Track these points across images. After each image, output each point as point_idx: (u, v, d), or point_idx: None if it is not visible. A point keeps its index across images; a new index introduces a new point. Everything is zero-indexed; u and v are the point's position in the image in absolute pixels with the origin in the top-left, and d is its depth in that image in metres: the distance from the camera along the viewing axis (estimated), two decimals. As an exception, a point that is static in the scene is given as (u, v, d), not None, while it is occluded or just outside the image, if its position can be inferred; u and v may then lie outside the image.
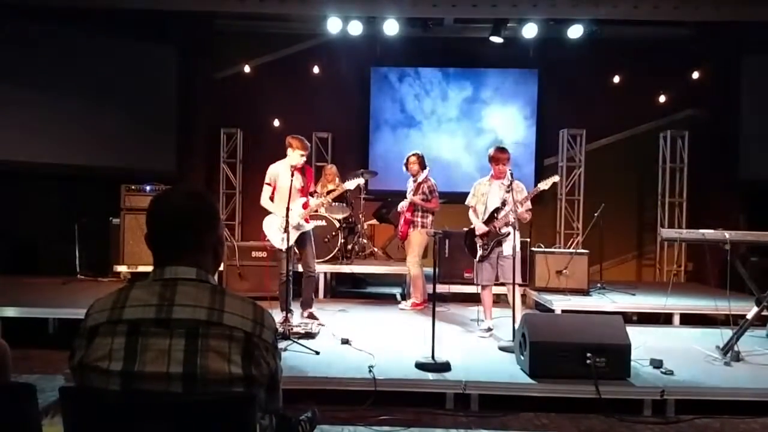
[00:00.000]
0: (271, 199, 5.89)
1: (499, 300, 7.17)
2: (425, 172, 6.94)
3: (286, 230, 5.47)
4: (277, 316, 5.58)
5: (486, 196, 5.80)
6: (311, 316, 6.15)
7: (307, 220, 6.02)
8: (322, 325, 5.90)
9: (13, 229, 8.12)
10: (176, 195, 1.69)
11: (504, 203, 5.63)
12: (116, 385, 1.47)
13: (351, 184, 6.25)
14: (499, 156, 5.71)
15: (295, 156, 5.75)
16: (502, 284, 5.78)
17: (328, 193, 7.39)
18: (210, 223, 1.69)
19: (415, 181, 7.01)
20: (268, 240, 5.99)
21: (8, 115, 7.94)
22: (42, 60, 8.14)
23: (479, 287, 5.91)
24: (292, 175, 5.63)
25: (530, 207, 5.76)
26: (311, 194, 6.19)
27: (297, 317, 6.04)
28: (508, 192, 5.51)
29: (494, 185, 5.77)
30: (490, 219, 5.72)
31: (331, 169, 8.47)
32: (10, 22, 7.81)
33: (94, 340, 1.52)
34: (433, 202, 6.90)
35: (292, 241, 5.67)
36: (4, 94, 7.92)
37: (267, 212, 5.96)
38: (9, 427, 1.68)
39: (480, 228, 5.74)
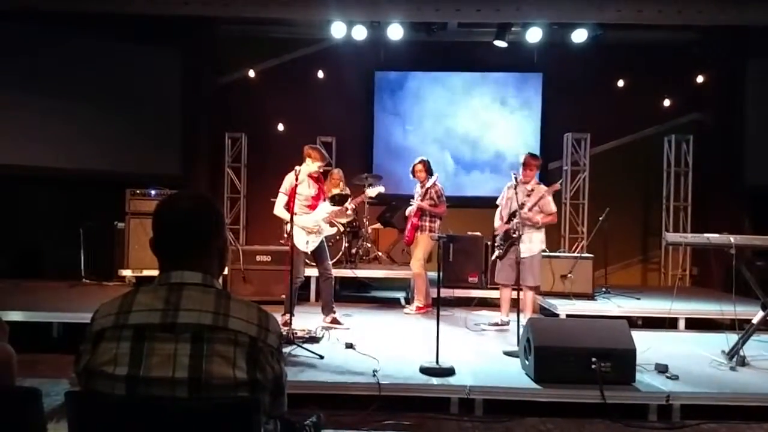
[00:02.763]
0: (288, 208, 5.87)
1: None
2: (433, 177, 6.98)
3: (290, 233, 5.55)
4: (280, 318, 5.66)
5: (511, 199, 6.02)
6: (335, 321, 6.14)
7: (331, 224, 6.23)
8: (347, 329, 6.01)
9: (18, 234, 8.15)
10: (181, 200, 1.70)
11: (522, 207, 5.87)
12: (122, 389, 1.47)
13: (373, 192, 6.43)
14: (527, 161, 6.07)
15: (314, 166, 5.95)
16: (519, 289, 5.84)
17: (335, 197, 7.43)
18: (215, 227, 1.69)
19: (422, 187, 7.04)
20: (287, 240, 6.15)
21: (14, 120, 7.99)
22: (46, 64, 8.18)
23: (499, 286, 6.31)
24: (316, 180, 5.97)
25: (552, 211, 6.02)
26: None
27: (318, 322, 6.09)
28: (528, 196, 5.85)
29: (520, 189, 5.93)
30: (509, 221, 6.03)
31: (338, 173, 8.50)
32: (14, 27, 7.86)
33: (100, 345, 1.52)
34: (440, 207, 6.94)
35: (316, 245, 5.99)
36: (9, 98, 7.96)
37: (274, 218, 6.18)
38: (15, 432, 1.69)
39: (498, 228, 6.13)
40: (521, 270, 5.81)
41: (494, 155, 10.14)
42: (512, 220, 5.91)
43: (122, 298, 1.59)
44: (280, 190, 6.00)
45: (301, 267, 6.06)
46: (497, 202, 6.33)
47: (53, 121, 8.27)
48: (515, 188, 5.76)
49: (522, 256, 5.79)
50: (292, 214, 5.63)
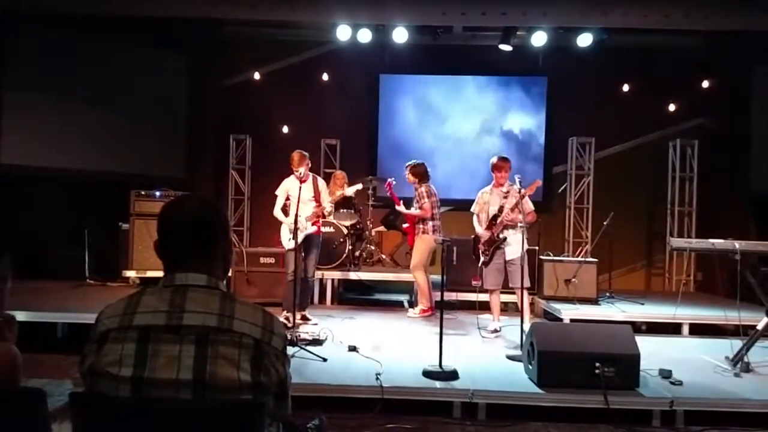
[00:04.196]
0: (285, 209, 6.28)
1: (507, 308, 7.17)
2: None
3: (295, 236, 5.61)
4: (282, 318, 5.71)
5: (488, 204, 6.12)
6: (304, 318, 6.39)
7: (316, 224, 6.30)
8: (315, 324, 6.18)
9: (23, 234, 8.15)
10: (187, 202, 1.71)
11: (501, 209, 5.93)
12: (126, 391, 1.48)
13: (350, 190, 6.67)
14: (500, 164, 6.11)
15: (296, 172, 6.06)
16: (511, 291, 5.85)
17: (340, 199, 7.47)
18: (220, 230, 1.70)
19: (415, 190, 7.08)
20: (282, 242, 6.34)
21: (19, 121, 8.01)
22: (52, 66, 8.20)
23: (488, 291, 6.24)
24: (302, 182, 5.96)
25: (531, 209, 6.01)
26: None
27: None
28: (505, 198, 5.89)
29: (495, 193, 6.10)
30: (490, 226, 6.04)
31: (341, 175, 8.51)
32: (17, 29, 7.89)
33: (105, 346, 1.53)
34: (424, 209, 6.91)
35: (298, 241, 6.00)
36: (15, 99, 7.98)
37: (278, 220, 6.35)
38: (19, 432, 1.69)
39: (481, 234, 6.09)
40: (512, 272, 5.88)
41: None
42: (493, 224, 5.98)
43: (127, 300, 1.60)
44: (276, 191, 6.36)
45: (290, 264, 6.17)
46: (472, 210, 6.29)
47: (58, 122, 8.28)
48: (506, 193, 5.89)
49: (510, 257, 5.88)
50: (297, 215, 5.69)
